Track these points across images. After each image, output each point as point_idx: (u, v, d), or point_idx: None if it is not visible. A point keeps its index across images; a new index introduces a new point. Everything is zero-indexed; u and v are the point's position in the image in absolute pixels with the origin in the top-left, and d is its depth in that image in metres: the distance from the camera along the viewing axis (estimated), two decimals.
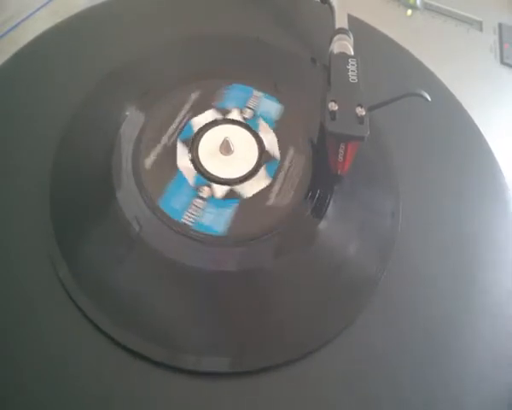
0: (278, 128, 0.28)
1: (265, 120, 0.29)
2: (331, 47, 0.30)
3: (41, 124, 0.29)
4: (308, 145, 0.28)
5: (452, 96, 0.33)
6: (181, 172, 0.26)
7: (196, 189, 0.26)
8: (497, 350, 0.24)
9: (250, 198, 0.26)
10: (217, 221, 0.25)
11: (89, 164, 0.27)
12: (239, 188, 0.26)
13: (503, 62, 0.43)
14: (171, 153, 0.27)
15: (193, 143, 0.27)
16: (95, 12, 0.35)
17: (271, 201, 0.26)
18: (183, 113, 0.28)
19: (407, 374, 0.23)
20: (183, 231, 0.24)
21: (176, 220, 0.24)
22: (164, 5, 0.37)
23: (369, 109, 0.25)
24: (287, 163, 0.27)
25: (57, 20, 0.34)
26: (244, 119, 0.29)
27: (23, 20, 0.40)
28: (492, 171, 0.30)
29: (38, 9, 0.41)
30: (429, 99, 0.25)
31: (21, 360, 0.21)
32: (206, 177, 0.26)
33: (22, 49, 0.32)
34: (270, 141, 0.28)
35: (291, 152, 0.28)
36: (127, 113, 0.28)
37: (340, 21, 0.32)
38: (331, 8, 0.34)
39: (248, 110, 0.29)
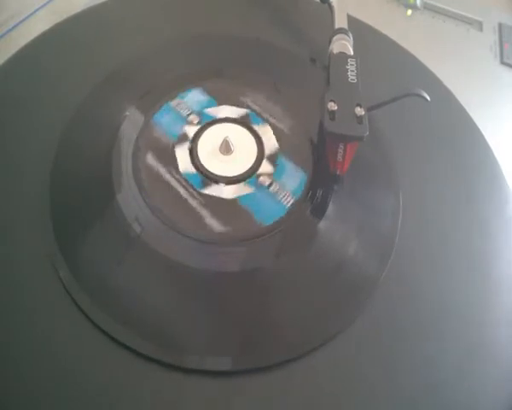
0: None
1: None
2: (330, 47, 0.30)
3: (41, 124, 0.29)
4: (310, 159, 0.28)
5: (452, 96, 0.33)
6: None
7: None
8: (497, 350, 0.24)
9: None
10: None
11: (89, 164, 0.27)
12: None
13: (503, 62, 0.43)
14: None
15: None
16: (94, 12, 0.35)
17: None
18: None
19: (407, 374, 0.23)
20: (183, 231, 0.24)
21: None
22: (164, 5, 0.37)
23: (369, 109, 0.25)
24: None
25: (57, 20, 0.34)
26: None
27: (23, 20, 0.40)
28: (492, 171, 0.30)
29: (38, 9, 0.41)
30: (429, 99, 0.25)
31: (21, 359, 0.21)
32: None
33: (22, 49, 0.32)
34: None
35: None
36: (127, 113, 0.28)
37: (340, 21, 0.32)
38: (331, 8, 0.34)
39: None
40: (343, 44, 0.30)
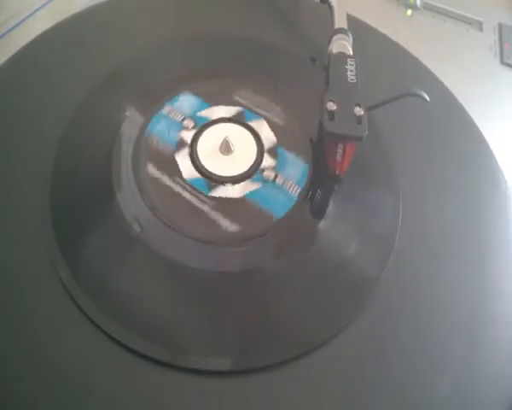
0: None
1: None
2: (330, 47, 0.30)
3: (41, 124, 0.29)
4: (307, 146, 0.28)
5: (452, 96, 0.33)
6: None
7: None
8: (497, 350, 0.24)
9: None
10: None
11: (89, 164, 0.27)
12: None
13: (503, 62, 0.43)
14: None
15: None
16: (95, 12, 0.35)
17: None
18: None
19: (407, 374, 0.23)
20: (183, 231, 0.24)
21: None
22: (164, 5, 0.37)
23: (369, 109, 0.25)
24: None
25: (57, 20, 0.34)
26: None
27: (23, 20, 0.40)
28: (492, 170, 0.30)
29: (38, 9, 0.41)
30: (428, 99, 0.25)
31: (21, 360, 0.21)
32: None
33: (22, 49, 0.32)
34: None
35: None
36: (127, 113, 0.28)
37: (340, 21, 0.32)
38: (330, 8, 0.34)
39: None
40: (343, 44, 0.30)
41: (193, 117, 0.28)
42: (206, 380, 0.21)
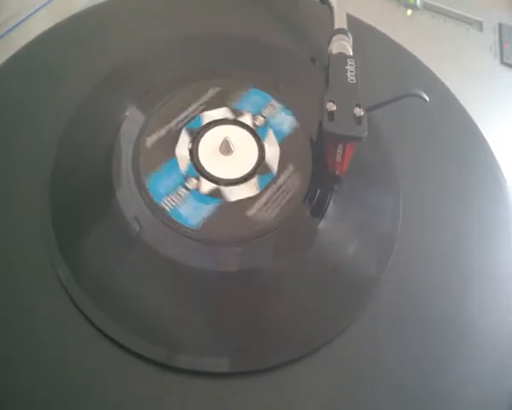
0: (284, 144, 0.28)
1: (275, 132, 0.28)
2: (330, 47, 0.30)
3: (41, 124, 0.29)
4: (308, 146, 0.28)
5: (452, 96, 0.33)
6: (176, 158, 0.26)
7: (185, 178, 0.26)
8: (497, 349, 0.24)
9: (232, 203, 0.25)
10: (193, 214, 0.25)
11: (89, 164, 0.27)
12: (226, 190, 0.26)
13: (503, 62, 0.43)
14: (172, 141, 0.27)
15: (196, 136, 0.27)
16: (95, 12, 0.35)
17: (252, 212, 0.25)
18: (190, 108, 0.29)
19: (407, 374, 0.23)
20: (183, 231, 0.24)
21: (155, 202, 0.25)
22: (164, 5, 0.37)
23: (369, 110, 0.25)
24: (281, 180, 0.26)
25: (57, 20, 0.34)
26: (254, 125, 0.28)
27: (23, 20, 0.40)
28: (492, 170, 0.30)
29: (38, 9, 0.41)
30: (427, 100, 0.25)
31: (21, 360, 0.21)
32: (199, 170, 0.26)
33: (22, 49, 0.32)
34: (273, 154, 0.27)
35: (290, 170, 0.27)
36: (127, 113, 0.28)
37: (339, 22, 0.32)
38: (330, 8, 0.34)
39: (261, 118, 0.29)
40: (342, 45, 0.30)
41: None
42: (205, 381, 0.21)
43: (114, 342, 0.22)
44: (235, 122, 0.28)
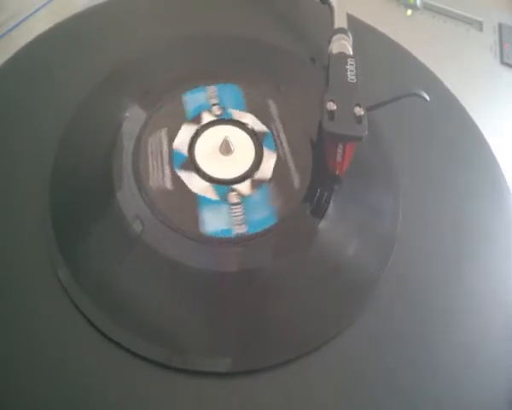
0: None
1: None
2: (330, 47, 0.30)
3: (41, 124, 0.29)
4: (308, 146, 0.28)
5: (452, 96, 0.33)
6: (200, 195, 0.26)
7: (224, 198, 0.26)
8: (497, 348, 0.24)
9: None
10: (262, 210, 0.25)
11: (89, 164, 0.27)
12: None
13: (503, 62, 0.43)
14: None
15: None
16: (95, 12, 0.35)
17: None
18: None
19: (407, 374, 0.23)
20: (183, 231, 0.24)
21: (230, 238, 0.24)
22: (164, 5, 0.37)
23: (369, 109, 0.25)
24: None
25: (57, 20, 0.34)
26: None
27: (23, 20, 0.40)
28: (492, 170, 0.30)
29: (38, 9, 0.41)
30: (428, 99, 0.25)
31: (21, 360, 0.21)
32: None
33: (22, 49, 0.32)
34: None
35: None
36: (127, 113, 0.28)
37: (340, 21, 0.32)
38: (330, 8, 0.34)
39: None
40: (343, 44, 0.30)
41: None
42: (205, 381, 0.21)
43: (114, 342, 0.22)
44: (236, 123, 0.28)
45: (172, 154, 0.27)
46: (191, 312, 0.23)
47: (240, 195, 0.26)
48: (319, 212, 0.26)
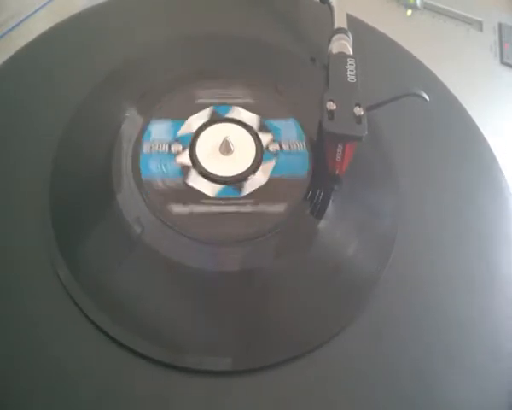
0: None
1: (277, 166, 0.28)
2: (330, 47, 0.30)
3: (41, 124, 0.29)
4: (286, 105, 0.28)
5: (452, 96, 0.33)
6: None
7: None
8: (497, 347, 0.24)
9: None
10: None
11: (89, 164, 0.27)
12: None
13: (503, 62, 0.43)
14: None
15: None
16: (94, 12, 0.35)
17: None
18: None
19: (407, 374, 0.23)
20: (183, 231, 0.24)
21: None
22: (164, 5, 0.37)
23: (368, 109, 0.25)
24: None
25: (57, 20, 0.34)
26: (267, 148, 0.28)
27: (23, 20, 0.40)
28: (492, 170, 0.30)
29: (38, 9, 0.41)
30: (427, 99, 0.25)
31: (21, 360, 0.21)
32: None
33: (22, 49, 0.32)
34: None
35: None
36: (127, 113, 0.28)
37: (339, 21, 0.32)
38: (330, 8, 0.34)
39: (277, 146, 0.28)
40: (342, 44, 0.30)
41: (177, 139, 0.28)
42: (206, 380, 0.21)
43: (115, 341, 0.22)
44: (239, 122, 0.28)
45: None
46: (191, 311, 0.23)
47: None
48: (319, 212, 0.26)
